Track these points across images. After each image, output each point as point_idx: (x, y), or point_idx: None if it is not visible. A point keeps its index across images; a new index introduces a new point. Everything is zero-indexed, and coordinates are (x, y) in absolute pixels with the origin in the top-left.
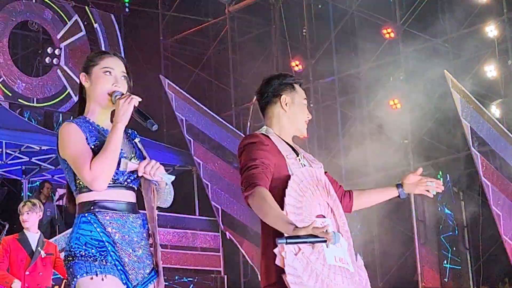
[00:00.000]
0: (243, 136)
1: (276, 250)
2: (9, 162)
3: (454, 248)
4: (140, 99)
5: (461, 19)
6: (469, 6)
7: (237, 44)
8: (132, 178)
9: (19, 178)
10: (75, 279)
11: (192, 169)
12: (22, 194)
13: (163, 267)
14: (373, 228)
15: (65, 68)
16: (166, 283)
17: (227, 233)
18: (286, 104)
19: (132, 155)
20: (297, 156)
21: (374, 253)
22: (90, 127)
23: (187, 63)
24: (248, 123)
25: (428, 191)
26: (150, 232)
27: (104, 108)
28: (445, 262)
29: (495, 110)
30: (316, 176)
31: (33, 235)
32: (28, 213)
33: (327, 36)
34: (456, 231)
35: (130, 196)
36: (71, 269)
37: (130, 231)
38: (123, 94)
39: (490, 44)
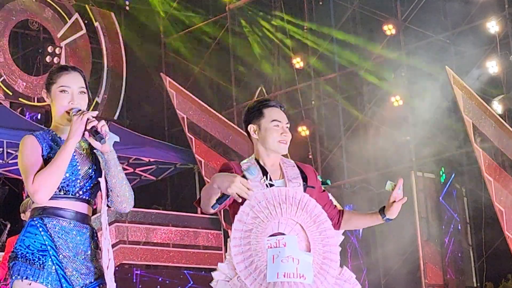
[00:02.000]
0: (244, 133)
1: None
2: (10, 162)
3: (457, 245)
4: (93, 114)
5: (463, 15)
6: (470, 2)
7: (238, 41)
8: (84, 190)
9: (20, 177)
10: (11, 278)
11: (193, 167)
12: (23, 194)
13: (166, 266)
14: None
15: None
16: (167, 281)
17: (229, 231)
18: (254, 132)
19: (86, 167)
20: (263, 177)
21: (376, 250)
22: (50, 138)
23: (188, 61)
24: None
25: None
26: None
27: (65, 125)
28: (448, 258)
29: (497, 106)
30: (284, 194)
31: None
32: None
33: (328, 33)
34: (459, 228)
35: (80, 207)
36: (10, 270)
37: (75, 239)
38: (79, 110)
39: (492, 40)
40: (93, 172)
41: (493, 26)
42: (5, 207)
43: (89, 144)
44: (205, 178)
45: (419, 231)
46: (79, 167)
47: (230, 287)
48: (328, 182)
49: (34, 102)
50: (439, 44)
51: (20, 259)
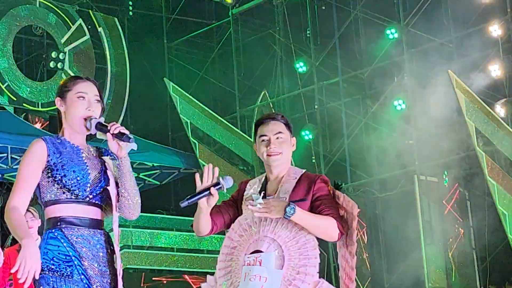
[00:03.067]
0: (248, 138)
1: None
2: (14, 167)
3: (461, 248)
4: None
5: (465, 19)
6: (473, 6)
7: (241, 46)
8: (94, 194)
9: None
10: None
11: (197, 171)
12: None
13: (170, 270)
14: (378, 228)
15: (70, 72)
16: (172, 285)
17: None
18: (256, 151)
19: (96, 172)
20: (258, 194)
21: (380, 254)
22: (59, 143)
23: (191, 66)
24: (253, 126)
25: None
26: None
27: (79, 133)
28: (452, 262)
29: (499, 110)
30: None
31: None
32: (32, 219)
33: (331, 37)
34: (462, 231)
35: (94, 212)
36: (38, 282)
37: (95, 246)
38: (94, 119)
39: (494, 44)
40: (102, 177)
41: (495, 30)
42: None
43: (98, 150)
44: None
45: (422, 235)
46: (89, 171)
47: None
48: (339, 183)
49: (38, 107)
50: (441, 48)
51: (47, 272)
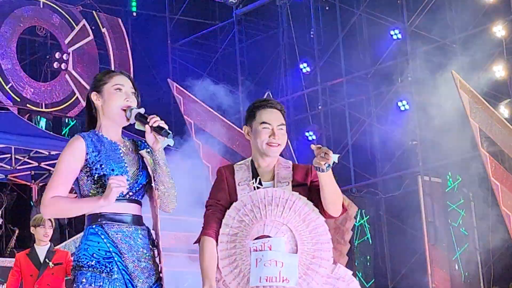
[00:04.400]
0: None
1: None
2: (18, 168)
3: (464, 249)
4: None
5: (469, 19)
6: (477, 6)
7: (245, 47)
8: (134, 191)
9: (29, 183)
10: (78, 287)
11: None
12: (31, 199)
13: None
14: (382, 229)
15: (73, 73)
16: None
17: None
18: (248, 134)
19: (134, 168)
20: (253, 179)
21: (384, 254)
22: (98, 139)
23: (195, 66)
24: None
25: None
26: (155, 242)
27: (117, 124)
28: (455, 263)
29: (503, 110)
30: (270, 195)
31: (42, 248)
32: (50, 228)
33: (334, 38)
34: (466, 232)
35: (135, 209)
36: (76, 279)
37: (136, 242)
38: (135, 109)
39: (498, 44)
40: (141, 173)
41: (499, 30)
42: (13, 213)
43: (134, 143)
44: (212, 183)
45: (426, 235)
46: (127, 168)
47: None
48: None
49: (41, 108)
50: (445, 49)
51: (87, 268)
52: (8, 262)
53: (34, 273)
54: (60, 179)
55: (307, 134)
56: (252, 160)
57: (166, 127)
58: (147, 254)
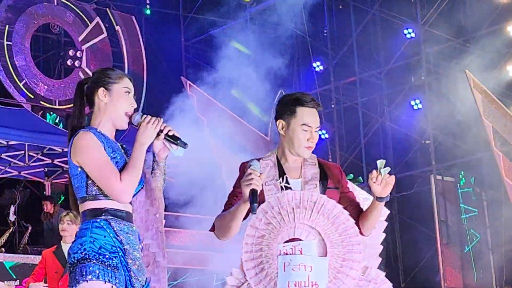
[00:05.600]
0: (265, 137)
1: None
2: (31, 164)
3: (477, 249)
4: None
5: (483, 19)
6: (491, 6)
7: (259, 45)
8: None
9: (42, 180)
10: (83, 278)
11: (213, 170)
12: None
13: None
14: (394, 228)
15: (87, 70)
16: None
17: None
18: (282, 129)
19: None
20: (279, 178)
21: (396, 254)
22: (104, 138)
23: (208, 64)
24: (270, 124)
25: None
26: (142, 242)
27: (115, 126)
28: (468, 262)
29: None
30: (298, 198)
31: (67, 245)
32: (69, 223)
33: (348, 36)
34: (479, 232)
35: (130, 207)
36: (81, 270)
37: (134, 240)
38: (145, 115)
39: None
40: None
41: None
42: (26, 210)
43: (123, 148)
44: (226, 182)
45: (438, 235)
46: None
47: None
48: (360, 179)
49: (55, 105)
50: (459, 48)
51: (94, 260)
52: (21, 258)
53: (59, 269)
54: (112, 169)
55: (319, 132)
56: (277, 156)
57: (181, 137)
58: (139, 252)
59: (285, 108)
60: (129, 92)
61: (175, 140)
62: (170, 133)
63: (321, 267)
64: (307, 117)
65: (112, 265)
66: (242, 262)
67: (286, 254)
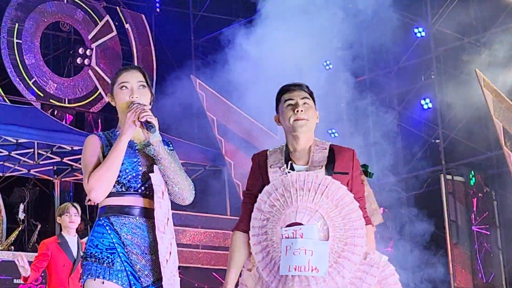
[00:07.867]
0: (274, 135)
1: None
2: (41, 163)
3: (487, 248)
4: (148, 106)
5: (493, 18)
6: (501, 5)
7: (269, 44)
8: (147, 185)
9: (51, 178)
10: (83, 278)
11: (223, 169)
12: (54, 195)
13: (194, 267)
14: (404, 228)
15: (97, 68)
16: (196, 283)
17: None
18: (278, 121)
19: (147, 165)
20: (284, 164)
21: (405, 253)
22: (113, 137)
23: (218, 62)
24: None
25: None
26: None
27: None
28: (478, 262)
29: None
30: (302, 180)
31: (72, 238)
32: (75, 215)
33: (357, 36)
34: (489, 231)
35: (145, 203)
36: (82, 269)
37: (143, 234)
38: (139, 104)
39: None
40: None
41: None
42: (36, 208)
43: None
44: (234, 180)
45: (448, 234)
46: (140, 163)
47: (251, 277)
48: (369, 171)
49: (65, 103)
50: (469, 47)
51: (90, 259)
52: (30, 256)
53: (67, 264)
54: (88, 169)
55: (329, 131)
56: (286, 145)
57: (152, 121)
58: (152, 247)
59: (276, 103)
60: (125, 86)
61: (146, 124)
62: (143, 119)
63: (322, 251)
64: (287, 95)
65: (106, 261)
66: (251, 246)
67: (287, 238)
